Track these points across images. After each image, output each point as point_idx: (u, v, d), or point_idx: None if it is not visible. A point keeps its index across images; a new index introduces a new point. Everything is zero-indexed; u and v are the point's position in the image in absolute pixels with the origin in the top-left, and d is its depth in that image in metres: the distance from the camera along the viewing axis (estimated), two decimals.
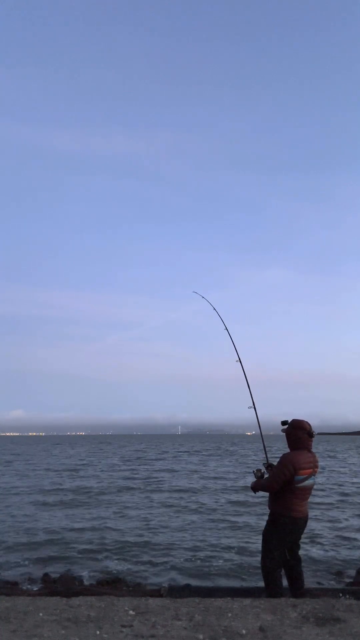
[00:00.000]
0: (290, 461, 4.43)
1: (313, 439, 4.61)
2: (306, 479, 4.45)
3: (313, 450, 4.69)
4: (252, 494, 6.30)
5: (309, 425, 4.60)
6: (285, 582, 4.66)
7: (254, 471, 4.97)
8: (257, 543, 4.70)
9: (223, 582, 6.43)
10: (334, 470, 24.87)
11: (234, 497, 14.41)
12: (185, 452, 46.90)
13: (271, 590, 4.46)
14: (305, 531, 4.72)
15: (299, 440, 4.53)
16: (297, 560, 4.66)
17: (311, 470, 4.49)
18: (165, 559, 7.61)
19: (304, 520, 4.54)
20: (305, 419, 4.66)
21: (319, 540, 8.80)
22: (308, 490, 4.53)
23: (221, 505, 12.74)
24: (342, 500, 13.88)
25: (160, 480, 19.12)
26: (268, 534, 4.55)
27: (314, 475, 4.54)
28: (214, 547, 8.33)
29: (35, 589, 5.80)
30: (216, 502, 13.41)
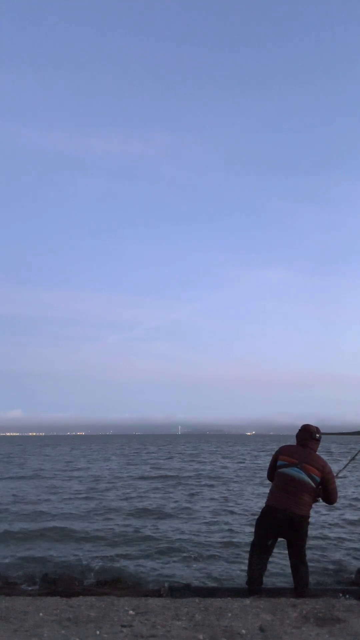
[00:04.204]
0: (278, 449, 4.91)
1: (316, 441, 4.86)
2: (287, 465, 4.66)
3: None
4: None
5: (316, 428, 4.94)
6: (279, 581, 4.75)
7: None
8: None
9: (223, 582, 6.42)
10: None
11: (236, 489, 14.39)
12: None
13: (247, 578, 4.76)
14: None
15: (297, 437, 4.91)
16: (298, 559, 4.68)
17: (295, 461, 4.64)
18: (165, 559, 7.61)
19: (286, 515, 4.52)
20: (303, 420, 5.04)
21: (318, 540, 8.82)
22: (290, 480, 4.58)
23: (220, 505, 12.76)
24: (342, 501, 13.89)
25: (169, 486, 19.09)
26: (255, 523, 4.90)
27: (303, 470, 4.59)
28: (215, 547, 8.33)
29: (35, 589, 5.80)
30: (216, 502, 13.42)
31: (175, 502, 13.45)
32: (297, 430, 5.00)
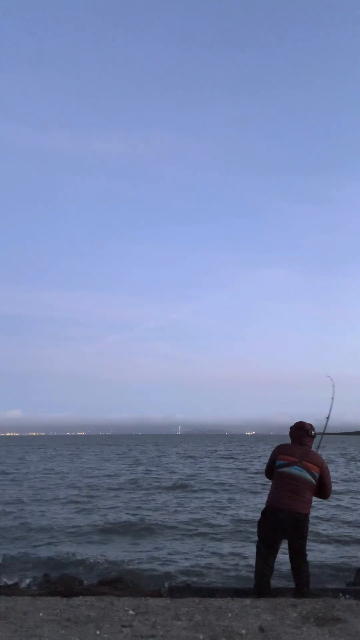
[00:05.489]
0: (276, 448, 4.86)
1: (312, 438, 4.85)
2: (287, 465, 4.62)
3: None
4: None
5: (310, 425, 4.90)
6: (279, 581, 4.71)
7: None
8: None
9: (223, 582, 6.42)
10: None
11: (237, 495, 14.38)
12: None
13: (255, 581, 4.62)
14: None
15: (292, 435, 4.87)
16: (300, 558, 4.66)
17: (296, 460, 4.62)
18: (165, 559, 7.61)
19: (290, 514, 4.47)
20: (302, 420, 4.98)
21: (318, 539, 8.82)
22: (292, 479, 4.55)
23: (220, 506, 12.75)
24: (342, 501, 13.89)
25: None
26: (257, 525, 4.78)
27: (304, 468, 4.58)
28: (214, 547, 8.34)
29: (35, 589, 5.79)
30: (216, 502, 13.42)
31: (170, 504, 13.45)
32: (291, 428, 4.95)
